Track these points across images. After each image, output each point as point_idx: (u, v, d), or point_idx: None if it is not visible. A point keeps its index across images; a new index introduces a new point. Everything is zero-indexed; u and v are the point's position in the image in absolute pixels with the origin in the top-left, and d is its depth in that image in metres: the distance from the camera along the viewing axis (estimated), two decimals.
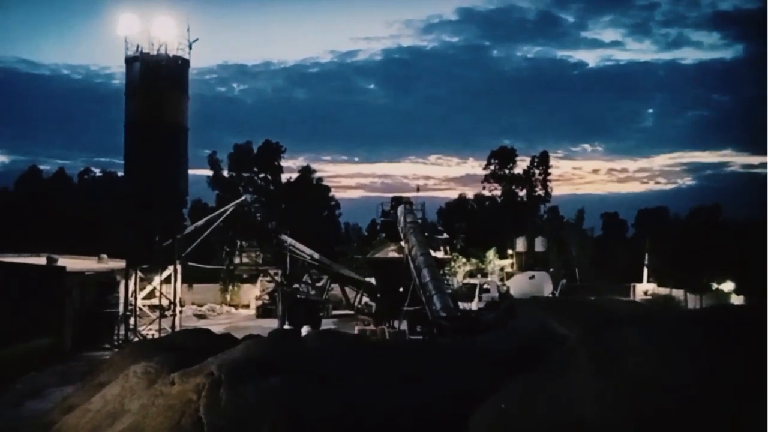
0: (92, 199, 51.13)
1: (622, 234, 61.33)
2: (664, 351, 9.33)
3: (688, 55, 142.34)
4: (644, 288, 44.17)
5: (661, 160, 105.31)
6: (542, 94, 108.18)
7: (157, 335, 25.73)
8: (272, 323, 30.33)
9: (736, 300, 36.12)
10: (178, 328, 26.35)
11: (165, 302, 27.50)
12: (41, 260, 26.80)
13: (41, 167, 61.55)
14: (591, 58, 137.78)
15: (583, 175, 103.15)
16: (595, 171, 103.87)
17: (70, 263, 26.90)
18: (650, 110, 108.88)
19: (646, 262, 46.00)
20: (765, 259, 37.48)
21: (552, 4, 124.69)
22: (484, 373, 13.29)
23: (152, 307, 27.81)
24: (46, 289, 24.07)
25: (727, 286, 37.73)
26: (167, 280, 27.77)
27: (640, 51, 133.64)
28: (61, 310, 24.34)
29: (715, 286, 38.05)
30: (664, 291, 41.59)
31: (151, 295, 27.93)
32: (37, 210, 47.10)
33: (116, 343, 26.00)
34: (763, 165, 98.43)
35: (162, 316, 27.17)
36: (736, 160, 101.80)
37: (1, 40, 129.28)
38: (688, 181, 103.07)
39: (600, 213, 62.83)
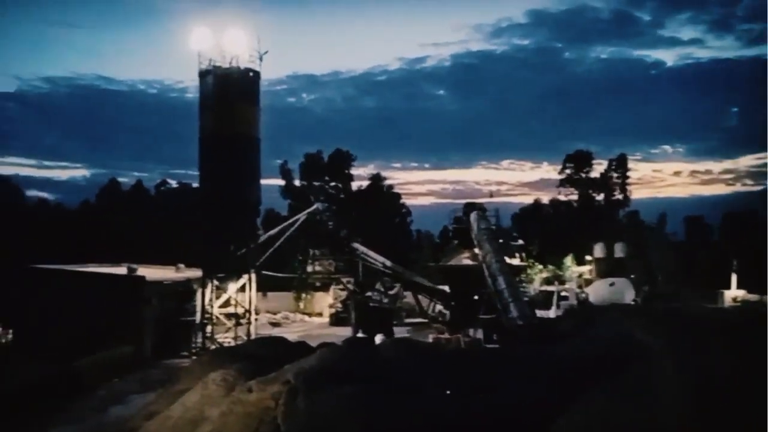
0: (169, 210, 53.06)
1: (708, 238, 58.10)
2: (750, 361, 8.46)
3: None
4: (733, 294, 42.07)
5: (747, 161, 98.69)
6: (618, 95, 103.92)
7: (233, 343, 25.96)
8: (346, 331, 30.12)
9: None
10: (253, 336, 26.54)
11: (240, 310, 27.80)
12: (122, 270, 27.75)
13: (120, 180, 64.60)
14: (669, 57, 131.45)
15: (663, 177, 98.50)
16: (677, 173, 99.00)
17: (150, 273, 27.73)
18: (734, 109, 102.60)
19: (734, 268, 43.75)
20: None
21: (626, 3, 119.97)
22: (562, 383, 12.58)
23: (228, 316, 28.17)
24: (126, 299, 24.84)
25: None
26: (242, 289, 28.07)
27: (722, 48, 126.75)
28: (141, 319, 25.05)
29: None
30: (754, 297, 39.70)
31: (226, 304, 28.31)
32: (117, 221, 49.36)
33: (194, 351, 26.44)
34: None
35: (238, 324, 27.47)
36: None
37: (80, 58, 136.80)
38: None
39: (683, 217, 59.93)
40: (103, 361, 21.27)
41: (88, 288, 25.24)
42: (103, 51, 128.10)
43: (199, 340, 27.00)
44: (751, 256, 42.49)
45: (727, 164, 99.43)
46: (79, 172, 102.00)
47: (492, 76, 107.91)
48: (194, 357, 24.37)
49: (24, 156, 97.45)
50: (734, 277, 43.54)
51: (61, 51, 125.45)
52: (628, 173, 60.47)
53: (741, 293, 42.02)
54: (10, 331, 25.65)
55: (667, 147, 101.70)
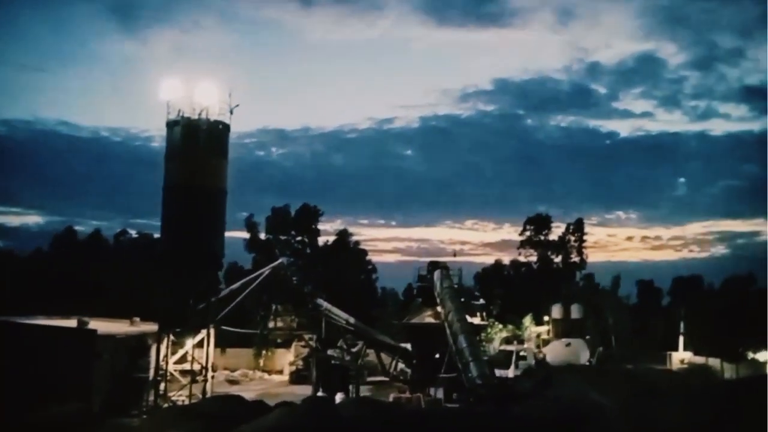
0: (128, 261, 51.56)
1: (658, 302, 60.02)
2: (699, 423, 8.78)
3: (717, 127, 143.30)
4: (680, 357, 43.85)
5: (694, 228, 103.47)
6: (576, 162, 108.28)
7: (187, 401, 24.97)
8: (306, 390, 29.38)
9: None
10: (209, 394, 25.61)
11: (197, 367, 26.89)
12: (72, 323, 26.67)
13: (77, 228, 62.07)
14: (623, 128, 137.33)
15: (617, 242, 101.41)
16: (630, 238, 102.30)
17: (102, 326, 26.67)
18: (682, 179, 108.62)
19: (682, 331, 45.87)
20: None
21: (584, 76, 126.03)
22: None
23: (183, 372, 27.18)
24: (76, 353, 23.77)
25: (763, 355, 38.23)
26: (200, 344, 27.25)
27: (671, 122, 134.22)
28: (90, 374, 23.91)
29: (750, 355, 38.71)
30: (700, 360, 41.43)
31: (182, 360, 27.35)
32: (70, 271, 47.53)
33: (145, 409, 25.30)
34: None
35: (193, 381, 26.49)
36: None
37: (43, 102, 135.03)
38: (720, 249, 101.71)
39: (635, 280, 61.78)
40: (48, 418, 20.11)
41: (33, 341, 24.09)
42: (68, 96, 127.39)
43: (152, 397, 25.88)
44: (697, 320, 44.35)
45: (676, 231, 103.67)
46: (32, 219, 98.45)
47: (458, 138, 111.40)
48: (145, 416, 23.30)
49: None
50: (681, 340, 45.46)
51: (22, 94, 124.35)
52: (585, 237, 62.23)
53: (688, 355, 43.73)
54: None
55: (620, 213, 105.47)
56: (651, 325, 47.49)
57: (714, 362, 39.38)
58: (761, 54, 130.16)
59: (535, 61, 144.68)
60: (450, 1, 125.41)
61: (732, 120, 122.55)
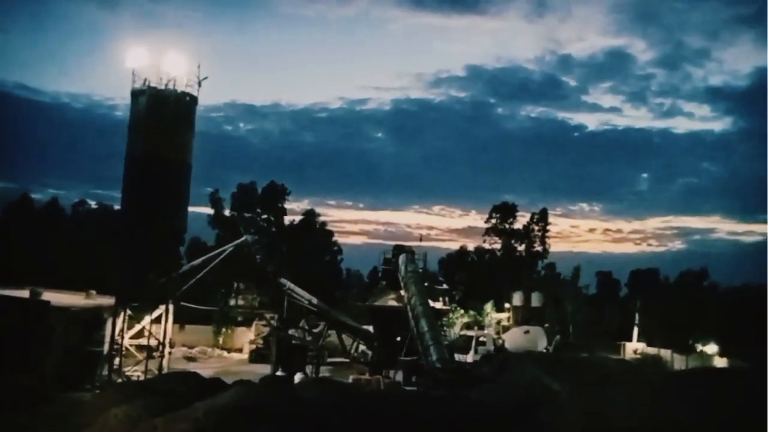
0: (85, 231, 50.16)
1: (616, 293, 61.62)
2: (644, 410, 9.09)
3: (680, 125, 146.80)
4: (634, 347, 44.96)
5: (654, 223, 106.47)
6: (544, 152, 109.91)
7: (142, 377, 24.58)
8: (265, 369, 29.22)
9: (719, 362, 37.54)
10: (165, 371, 25.26)
11: (154, 343, 26.46)
12: (25, 294, 25.87)
13: (34, 196, 60.11)
14: (591, 121, 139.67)
15: (580, 233, 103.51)
16: (592, 230, 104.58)
17: (56, 298, 25.94)
18: (645, 175, 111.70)
19: (636, 322, 47.06)
20: (745, 323, 39.60)
21: (556, 68, 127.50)
22: (475, 427, 12.76)
23: (140, 348, 26.73)
24: (28, 325, 23.11)
25: (711, 348, 39.44)
26: (158, 320, 26.81)
27: (637, 118, 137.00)
28: (43, 347, 23.30)
29: (699, 347, 40.00)
30: (652, 351, 42.60)
31: (140, 335, 26.89)
32: (25, 240, 45.95)
33: (98, 384, 24.82)
34: (748, 233, 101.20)
35: (150, 357, 26.09)
36: (723, 227, 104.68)
37: (1, 63, 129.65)
38: (678, 244, 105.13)
39: (595, 271, 63.36)
40: None
41: None
42: (29, 59, 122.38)
43: (106, 372, 25.40)
44: (651, 312, 45.78)
45: (636, 225, 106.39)
46: None
47: (429, 123, 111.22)
48: (98, 390, 22.86)
49: None
50: (636, 331, 46.73)
51: None
52: (549, 227, 63.03)
53: (641, 346, 44.93)
54: None
55: (584, 205, 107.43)
56: (608, 315, 48.53)
57: (665, 353, 40.63)
58: (726, 56, 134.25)
59: (508, 50, 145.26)
60: None
61: (695, 119, 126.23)
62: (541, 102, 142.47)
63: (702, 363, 37.22)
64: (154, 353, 26.26)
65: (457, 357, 30.60)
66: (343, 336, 33.87)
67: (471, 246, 66.30)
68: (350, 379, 26.92)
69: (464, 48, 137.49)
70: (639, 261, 77.77)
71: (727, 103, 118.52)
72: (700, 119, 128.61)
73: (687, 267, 54.90)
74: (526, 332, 39.79)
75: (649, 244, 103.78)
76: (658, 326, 43.46)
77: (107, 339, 26.13)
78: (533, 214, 62.91)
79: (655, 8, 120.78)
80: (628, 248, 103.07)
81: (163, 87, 26.61)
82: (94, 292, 29.82)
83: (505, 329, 43.69)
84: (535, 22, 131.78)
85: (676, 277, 54.11)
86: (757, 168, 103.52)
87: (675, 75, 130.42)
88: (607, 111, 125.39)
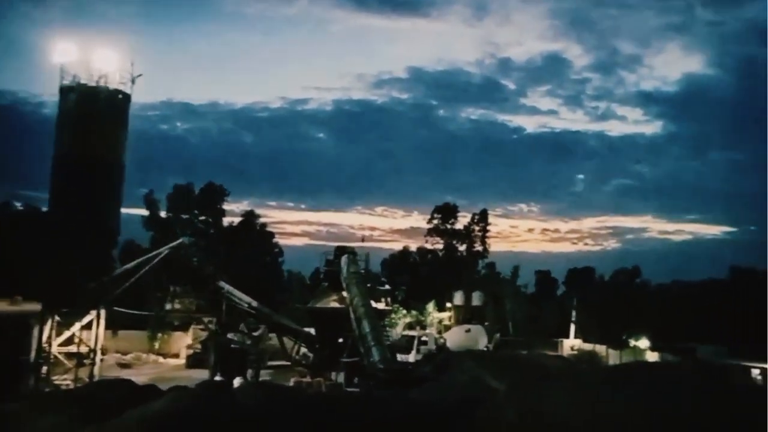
0: (10, 234, 47.54)
1: (553, 291, 63.45)
2: (580, 406, 9.46)
3: (614, 128, 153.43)
4: (571, 344, 46.35)
5: (590, 223, 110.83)
6: (484, 154, 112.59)
7: (71, 386, 23.57)
8: (203, 374, 28.58)
9: (651, 356, 39.28)
10: (96, 379, 24.32)
11: (84, 349, 25.43)
12: None
13: None
14: (529, 123, 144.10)
15: (519, 233, 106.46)
16: (531, 230, 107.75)
17: None
18: (580, 176, 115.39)
19: (573, 319, 48.56)
20: (674, 319, 42.20)
21: (495, 71, 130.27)
22: (417, 427, 12.88)
23: (69, 355, 25.62)
24: None
25: (643, 343, 40.87)
26: (88, 326, 25.76)
27: (573, 120, 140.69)
28: None
29: (632, 342, 41.17)
30: (588, 347, 44.07)
31: (69, 342, 25.77)
32: None
33: (24, 394, 23.60)
34: (677, 232, 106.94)
35: (80, 364, 25.05)
36: (654, 226, 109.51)
37: None
38: (612, 243, 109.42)
39: (534, 270, 64.95)
40: None
41: None
42: None
43: (32, 381, 24.20)
44: (587, 309, 47.46)
45: (573, 225, 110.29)
46: None
47: (371, 124, 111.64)
48: (24, 400, 21.74)
49: None
50: (572, 328, 48.35)
51: None
52: (489, 227, 64.33)
53: (577, 342, 46.54)
54: None
55: (523, 205, 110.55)
56: (546, 313, 49.93)
57: (601, 349, 42.21)
58: (656, 62, 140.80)
59: (449, 52, 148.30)
60: None
61: (628, 122, 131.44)
62: (482, 104, 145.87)
63: (635, 357, 38.81)
64: (85, 361, 25.28)
65: (400, 357, 30.82)
66: (285, 339, 33.49)
67: (413, 246, 66.99)
68: (291, 382, 26.70)
69: (406, 50, 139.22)
70: (576, 260, 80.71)
71: (658, 108, 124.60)
72: (632, 122, 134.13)
73: (621, 265, 57.53)
74: (467, 331, 40.49)
75: (586, 244, 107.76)
76: (593, 323, 44.93)
77: (34, 347, 24.92)
78: (474, 215, 64.10)
79: (589, 15, 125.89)
80: (566, 247, 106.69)
81: (94, 84, 25.65)
82: (20, 298, 28.36)
83: (447, 328, 44.31)
84: (474, 26, 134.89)
85: (610, 275, 56.21)
86: (685, 169, 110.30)
87: (609, 79, 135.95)
88: (544, 114, 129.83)
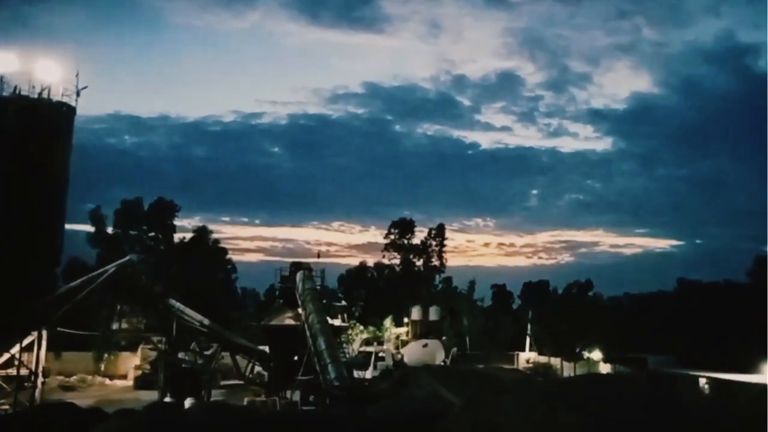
0: None
1: (509, 305, 64.03)
2: (535, 418, 9.53)
3: (566, 144, 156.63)
4: (527, 356, 47.18)
5: (544, 237, 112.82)
6: (440, 169, 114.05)
7: (10, 411, 22.32)
8: (152, 395, 27.55)
9: (604, 367, 40.18)
10: (38, 402, 23.12)
11: (25, 372, 24.17)
12: None
13: None
14: (484, 139, 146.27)
15: (475, 247, 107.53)
16: (486, 244, 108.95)
17: None
18: (534, 191, 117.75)
19: (528, 332, 49.57)
20: (625, 330, 43.28)
21: (451, 88, 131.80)
22: None
23: (9, 378, 24.31)
24: None
25: (596, 354, 41.84)
26: (29, 348, 24.53)
27: (527, 137, 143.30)
28: None
29: (586, 354, 42.17)
30: (543, 359, 44.90)
31: (9, 365, 24.47)
32: None
33: None
34: (628, 245, 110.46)
35: (20, 388, 23.79)
36: (606, 239, 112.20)
37: None
38: (566, 257, 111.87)
39: (490, 284, 65.53)
40: None
41: None
42: None
43: None
44: (542, 322, 48.33)
45: (528, 239, 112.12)
46: None
47: (327, 139, 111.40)
48: None
49: None
50: (528, 341, 49.08)
51: None
52: (446, 241, 64.74)
53: (533, 355, 47.39)
54: None
55: (479, 220, 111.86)
56: (502, 326, 50.47)
57: (556, 361, 42.91)
58: (605, 80, 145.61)
59: (404, 68, 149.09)
60: (323, 0, 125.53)
61: (579, 139, 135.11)
62: (437, 120, 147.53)
63: (588, 369, 39.60)
64: (26, 384, 24.06)
65: (357, 374, 30.50)
66: (238, 357, 32.68)
67: (371, 261, 66.76)
68: (245, 401, 26.05)
69: (361, 65, 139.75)
70: (531, 274, 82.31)
71: (608, 125, 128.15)
72: (584, 139, 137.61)
73: (574, 278, 57.98)
74: (425, 346, 40.55)
75: (540, 257, 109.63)
76: (548, 336, 45.75)
77: None
78: (431, 230, 64.46)
79: (541, 34, 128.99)
80: (521, 261, 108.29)
81: (36, 96, 24.72)
82: None
83: (404, 344, 44.25)
84: (429, 43, 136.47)
85: (564, 289, 57.09)
86: (634, 185, 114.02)
87: (561, 97, 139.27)
88: (499, 130, 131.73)
